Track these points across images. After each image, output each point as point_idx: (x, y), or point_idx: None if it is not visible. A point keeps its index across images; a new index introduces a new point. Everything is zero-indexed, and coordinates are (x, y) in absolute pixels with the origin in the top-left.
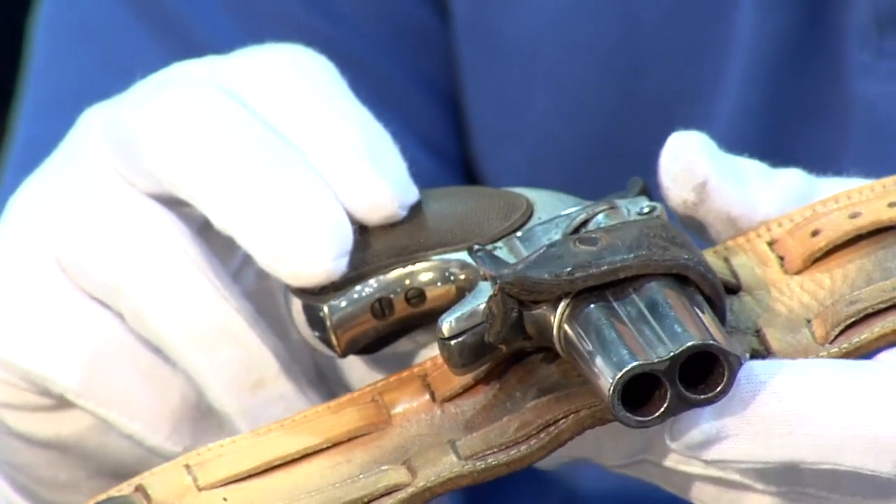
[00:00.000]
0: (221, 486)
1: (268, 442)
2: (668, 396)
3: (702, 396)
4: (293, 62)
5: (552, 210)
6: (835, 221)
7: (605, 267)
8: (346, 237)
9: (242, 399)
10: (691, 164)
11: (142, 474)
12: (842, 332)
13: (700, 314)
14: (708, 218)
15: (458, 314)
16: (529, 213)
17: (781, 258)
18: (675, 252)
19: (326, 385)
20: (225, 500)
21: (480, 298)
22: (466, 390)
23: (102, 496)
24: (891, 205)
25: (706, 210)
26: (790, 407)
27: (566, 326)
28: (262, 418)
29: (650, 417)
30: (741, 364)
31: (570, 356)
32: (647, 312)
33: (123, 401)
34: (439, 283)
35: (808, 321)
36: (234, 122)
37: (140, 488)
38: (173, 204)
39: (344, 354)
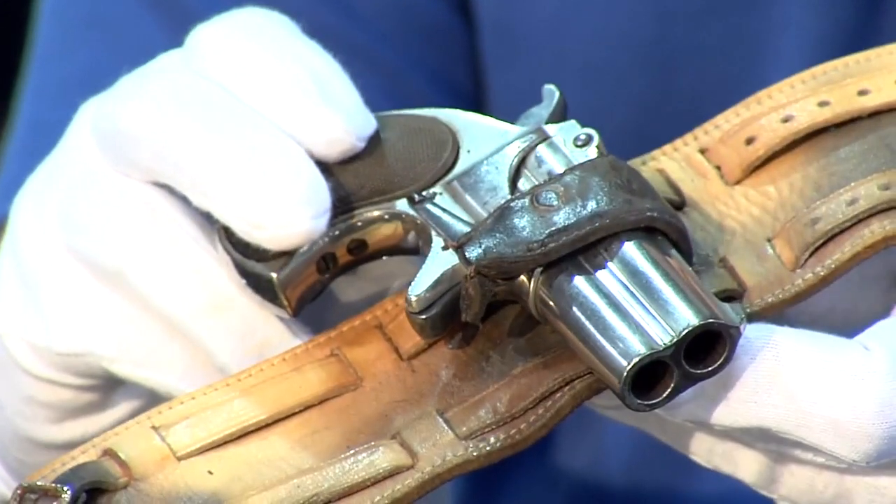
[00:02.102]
0: (199, 454)
1: (234, 402)
2: (675, 376)
3: (706, 370)
4: (246, 25)
5: (475, 138)
6: (769, 127)
7: (576, 233)
8: (323, 195)
9: (250, 362)
10: None
11: (103, 435)
12: (812, 254)
13: (682, 276)
14: None
15: (423, 286)
16: (457, 147)
17: (718, 168)
18: (638, 203)
19: None
20: (210, 473)
21: (441, 265)
22: (430, 346)
23: (68, 459)
24: (821, 104)
25: None
26: (762, 375)
27: (543, 296)
28: None
29: (658, 399)
30: (740, 335)
31: (551, 324)
32: (631, 284)
33: (156, 360)
34: (380, 231)
35: (769, 240)
36: (204, 102)
37: (109, 452)
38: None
39: (296, 313)
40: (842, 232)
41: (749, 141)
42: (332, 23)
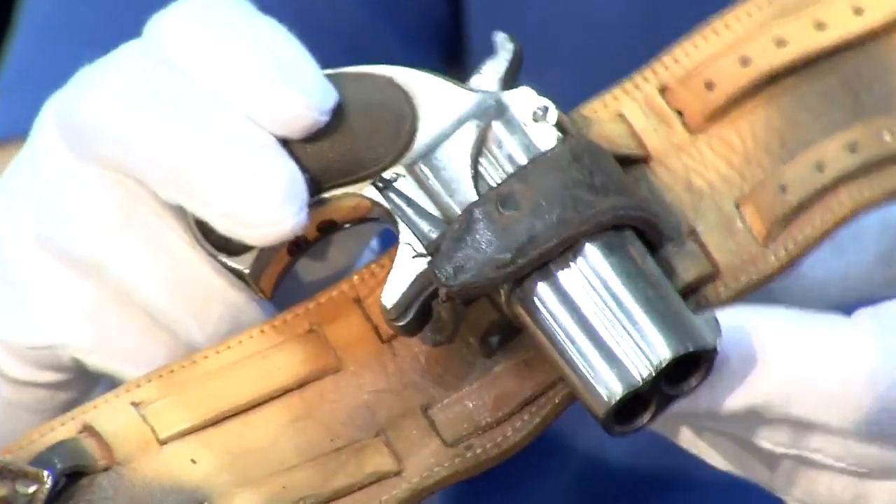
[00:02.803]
0: (181, 437)
1: (217, 382)
2: (654, 402)
3: (684, 390)
4: (202, 9)
5: (432, 105)
6: (727, 71)
7: (543, 246)
8: (302, 187)
9: None
10: None
11: (82, 407)
12: (783, 227)
13: (651, 284)
14: None
15: (397, 294)
16: (415, 118)
17: (680, 113)
18: (601, 203)
19: None
20: (194, 462)
21: (410, 269)
22: None
23: (46, 430)
24: (779, 44)
25: None
26: (746, 360)
27: (516, 307)
28: None
29: (641, 424)
30: (717, 353)
31: (527, 333)
32: (599, 298)
33: (135, 353)
34: (346, 207)
35: (738, 206)
36: (166, 91)
37: (89, 429)
38: None
39: (271, 296)
40: (810, 203)
41: (709, 86)
42: (318, 15)
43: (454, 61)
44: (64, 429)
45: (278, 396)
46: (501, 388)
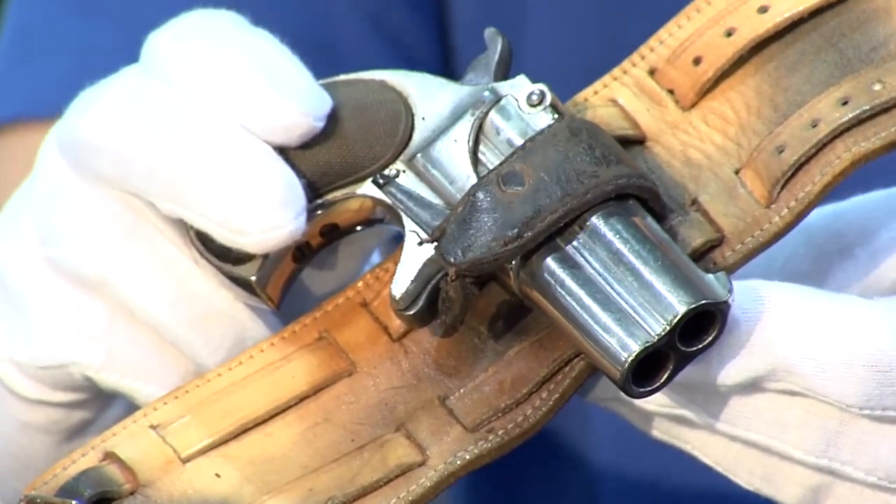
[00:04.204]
0: (202, 454)
1: (232, 397)
2: (671, 359)
3: (700, 346)
4: (196, 25)
5: (428, 102)
6: (713, 44)
7: (549, 217)
8: (299, 192)
9: None
10: None
11: (101, 436)
12: (783, 186)
13: (659, 246)
14: None
15: (405, 283)
16: (411, 115)
17: (671, 92)
18: (604, 173)
19: None
20: (218, 476)
21: (417, 257)
22: None
23: (69, 463)
24: (760, 10)
25: None
26: (753, 330)
27: (525, 284)
28: None
29: (658, 384)
30: (730, 306)
31: (539, 309)
32: (609, 263)
33: (144, 370)
34: (348, 210)
35: (737, 172)
36: (162, 106)
37: (111, 456)
38: None
39: (279, 305)
40: (808, 160)
41: (696, 61)
42: (301, 24)
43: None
44: (85, 459)
45: (295, 404)
46: (517, 371)
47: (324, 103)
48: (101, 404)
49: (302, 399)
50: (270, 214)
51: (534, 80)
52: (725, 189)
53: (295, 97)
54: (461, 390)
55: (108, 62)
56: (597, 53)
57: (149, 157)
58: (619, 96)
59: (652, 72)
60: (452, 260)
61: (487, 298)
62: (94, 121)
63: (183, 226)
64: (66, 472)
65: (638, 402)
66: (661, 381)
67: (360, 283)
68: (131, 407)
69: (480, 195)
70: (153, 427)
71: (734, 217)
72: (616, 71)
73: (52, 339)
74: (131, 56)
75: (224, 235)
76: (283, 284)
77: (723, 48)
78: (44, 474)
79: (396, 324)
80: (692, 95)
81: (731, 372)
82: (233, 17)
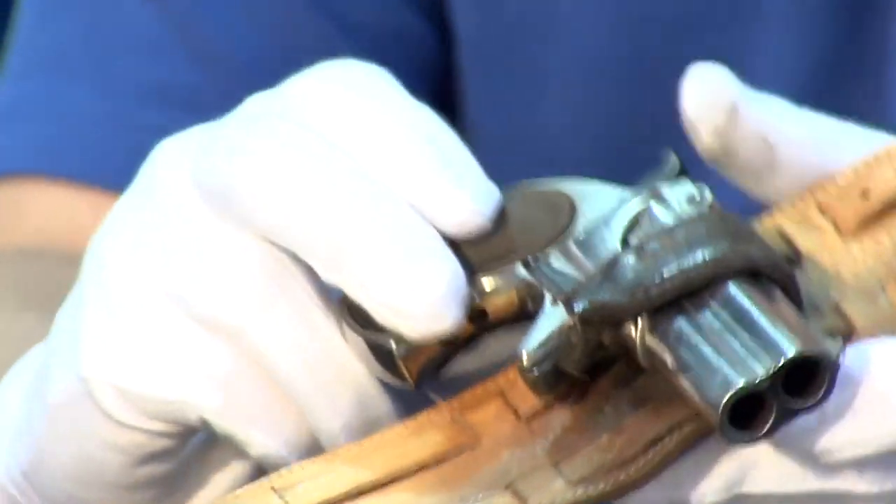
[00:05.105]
0: None
1: (353, 464)
2: (774, 409)
3: (806, 403)
4: (349, 78)
5: (593, 202)
6: (882, 178)
7: (679, 278)
8: (464, 283)
9: (354, 439)
10: (719, 89)
11: (224, 498)
12: None
13: (783, 313)
14: (741, 143)
15: (535, 342)
16: (574, 211)
17: (833, 222)
18: (741, 248)
19: None
20: None
21: (552, 320)
22: (549, 407)
23: None
24: None
25: (739, 134)
26: (891, 387)
27: (649, 342)
28: None
29: (759, 434)
30: (839, 366)
31: (658, 371)
32: (732, 321)
33: (262, 420)
34: (500, 300)
35: (882, 286)
36: (328, 167)
37: None
38: None
39: (417, 385)
40: None
41: (864, 193)
42: (320, 26)
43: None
44: None
45: (415, 472)
46: (629, 435)
47: (495, 199)
48: (188, 435)
49: (422, 468)
50: (436, 303)
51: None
52: (867, 296)
53: (469, 190)
54: (574, 455)
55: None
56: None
57: (315, 217)
58: (782, 223)
59: (819, 206)
60: (576, 309)
61: (614, 380)
62: (250, 170)
63: (326, 287)
64: None
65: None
66: (764, 430)
67: (501, 378)
68: (227, 446)
69: (618, 260)
70: (274, 489)
71: (868, 317)
72: (784, 204)
73: (170, 376)
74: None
75: (385, 316)
76: (425, 364)
77: (892, 182)
78: None
79: (527, 406)
80: (854, 226)
81: (876, 438)
82: (387, 78)
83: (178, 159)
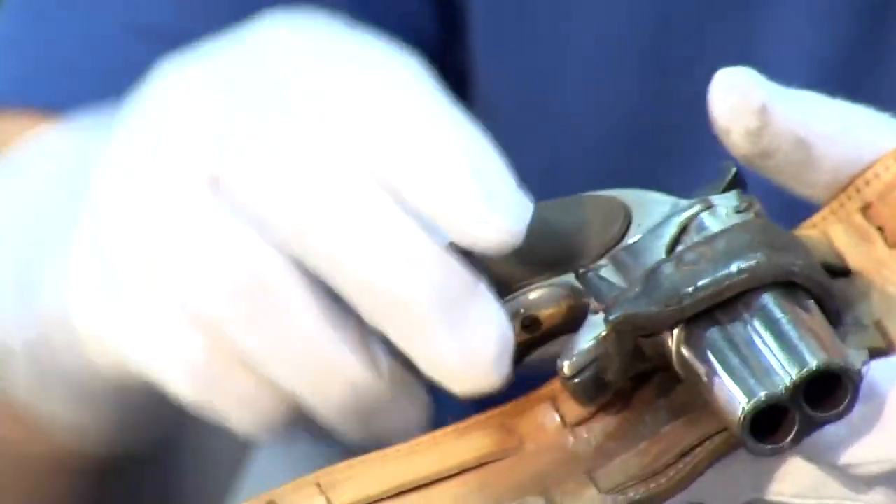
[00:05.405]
0: None
1: (397, 463)
2: (797, 421)
3: (828, 414)
4: (392, 88)
5: (647, 212)
6: None
7: (712, 289)
8: (511, 344)
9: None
10: (748, 92)
11: (271, 492)
12: None
13: (812, 325)
14: (774, 144)
15: (576, 352)
16: (628, 221)
17: (881, 229)
18: (777, 258)
19: None
20: None
21: (595, 330)
22: (594, 414)
23: None
24: None
25: (771, 134)
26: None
27: (683, 351)
28: None
29: (781, 444)
30: (862, 378)
31: (691, 380)
32: (760, 331)
33: (237, 405)
34: (552, 308)
35: None
36: (363, 201)
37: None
38: None
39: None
40: None
41: None
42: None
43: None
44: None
45: (457, 474)
46: (663, 445)
47: (527, 213)
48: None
49: (465, 470)
50: (483, 367)
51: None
52: None
53: (504, 210)
54: (610, 463)
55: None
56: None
57: (355, 261)
58: (831, 232)
59: (865, 207)
60: (611, 318)
61: (657, 388)
62: (279, 187)
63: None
64: None
65: None
66: (786, 441)
67: (553, 384)
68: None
69: (657, 269)
70: (318, 485)
71: None
72: (834, 204)
73: (146, 350)
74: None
75: (429, 370)
76: None
77: None
78: None
79: (573, 413)
80: None
81: (858, 452)
82: (428, 83)
83: (188, 109)
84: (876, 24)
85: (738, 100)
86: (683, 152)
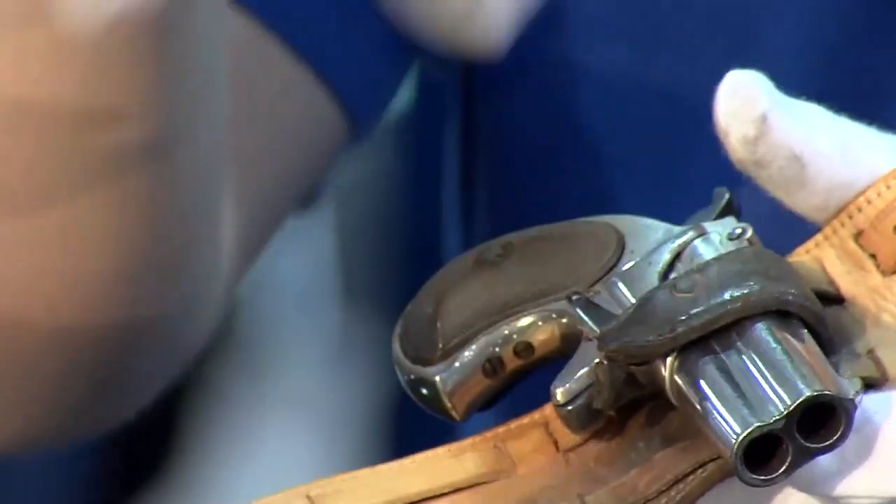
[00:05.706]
0: None
1: (388, 480)
2: (790, 451)
3: (821, 445)
4: None
5: (641, 239)
6: None
7: (706, 317)
8: None
9: None
10: (751, 99)
11: (259, 500)
12: None
13: (806, 354)
14: (769, 155)
15: (570, 378)
16: (621, 248)
17: (873, 256)
18: (771, 287)
19: None
20: None
21: (589, 357)
22: (587, 440)
23: None
24: None
25: (768, 146)
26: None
27: (677, 379)
28: None
29: (774, 474)
30: (856, 408)
31: (684, 408)
32: (754, 359)
33: None
34: (545, 335)
35: None
36: None
37: None
38: None
39: (463, 418)
40: None
41: None
42: None
43: None
44: None
45: (448, 493)
46: (655, 472)
47: None
48: None
49: (456, 490)
50: None
51: None
52: None
53: None
54: (601, 489)
55: None
56: None
57: None
58: (825, 258)
59: (858, 234)
60: (605, 346)
61: (650, 415)
62: None
63: None
64: None
65: None
66: (779, 471)
67: (546, 409)
68: None
69: (651, 297)
70: (308, 497)
71: None
72: (827, 230)
73: None
74: None
75: None
76: (472, 398)
77: None
78: None
79: (567, 438)
80: (892, 263)
81: (851, 485)
82: None
83: None
84: (870, 7)
85: (741, 105)
86: (677, 164)
